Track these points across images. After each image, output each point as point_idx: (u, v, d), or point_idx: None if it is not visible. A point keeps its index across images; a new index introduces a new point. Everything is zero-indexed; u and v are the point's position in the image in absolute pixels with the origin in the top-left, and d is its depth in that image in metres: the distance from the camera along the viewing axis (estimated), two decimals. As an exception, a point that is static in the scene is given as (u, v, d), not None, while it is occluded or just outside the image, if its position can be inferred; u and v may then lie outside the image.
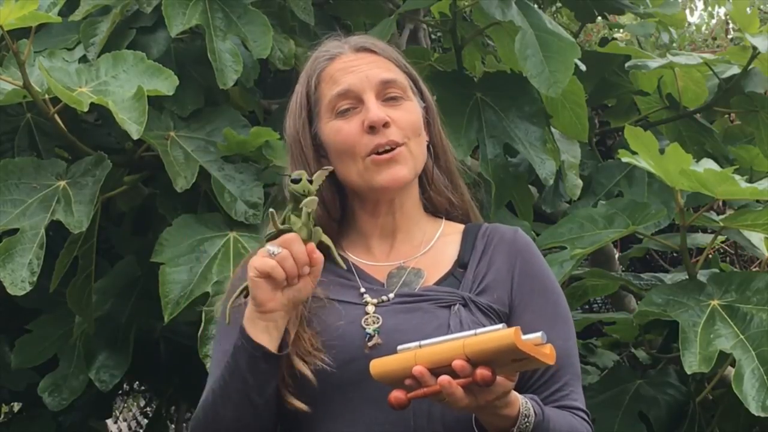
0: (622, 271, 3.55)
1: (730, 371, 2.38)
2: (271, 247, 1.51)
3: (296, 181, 1.53)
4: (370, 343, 1.58)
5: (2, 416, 4.12)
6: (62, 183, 2.39)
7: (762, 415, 2.22)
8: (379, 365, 1.45)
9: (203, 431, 1.60)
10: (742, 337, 2.33)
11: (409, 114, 1.68)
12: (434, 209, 1.77)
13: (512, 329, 1.37)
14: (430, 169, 1.74)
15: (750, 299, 2.41)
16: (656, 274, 2.97)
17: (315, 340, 1.59)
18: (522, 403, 1.50)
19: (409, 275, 1.68)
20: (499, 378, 1.42)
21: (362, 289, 1.66)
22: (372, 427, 1.55)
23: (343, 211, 1.74)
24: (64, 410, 2.77)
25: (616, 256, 3.48)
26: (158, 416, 4.31)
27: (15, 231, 2.30)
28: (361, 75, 1.67)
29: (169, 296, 2.31)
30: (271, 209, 1.56)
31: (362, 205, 1.72)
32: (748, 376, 2.27)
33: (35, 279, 2.24)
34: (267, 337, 1.53)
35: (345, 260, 1.69)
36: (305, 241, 1.52)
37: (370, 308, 1.62)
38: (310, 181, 1.54)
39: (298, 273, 1.52)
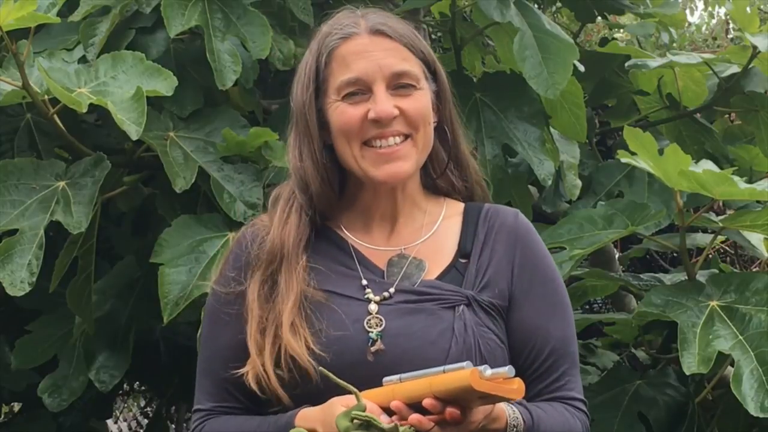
0: (622, 271, 3.55)
1: (730, 372, 2.38)
2: None
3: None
4: (372, 348, 1.56)
5: (2, 416, 4.12)
6: (62, 183, 2.38)
7: (761, 415, 2.22)
8: (366, 398, 1.46)
9: None
10: (741, 337, 2.33)
11: (418, 103, 1.64)
12: (435, 189, 1.75)
13: (469, 371, 1.38)
14: (437, 152, 1.72)
15: (749, 300, 2.41)
16: (656, 275, 2.97)
17: (313, 340, 1.57)
18: (509, 413, 1.51)
19: (410, 266, 1.65)
20: (474, 409, 1.42)
21: (363, 281, 1.63)
22: None
23: (342, 185, 1.70)
24: (64, 411, 2.77)
25: (616, 256, 3.48)
26: (158, 416, 4.31)
27: (14, 231, 2.30)
28: (373, 64, 1.62)
29: (169, 297, 2.31)
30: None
31: (362, 186, 1.68)
32: (746, 376, 2.27)
33: (34, 279, 2.24)
34: None
35: (345, 242, 1.68)
36: None
37: (373, 307, 1.60)
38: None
39: None
